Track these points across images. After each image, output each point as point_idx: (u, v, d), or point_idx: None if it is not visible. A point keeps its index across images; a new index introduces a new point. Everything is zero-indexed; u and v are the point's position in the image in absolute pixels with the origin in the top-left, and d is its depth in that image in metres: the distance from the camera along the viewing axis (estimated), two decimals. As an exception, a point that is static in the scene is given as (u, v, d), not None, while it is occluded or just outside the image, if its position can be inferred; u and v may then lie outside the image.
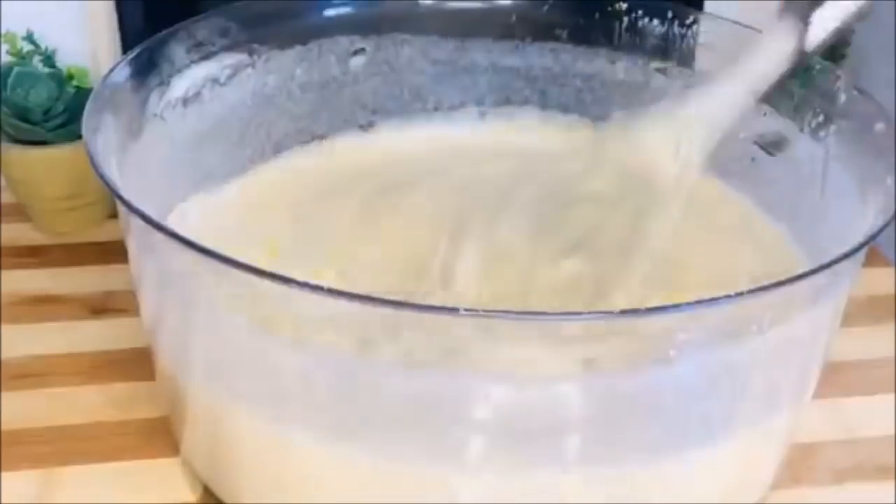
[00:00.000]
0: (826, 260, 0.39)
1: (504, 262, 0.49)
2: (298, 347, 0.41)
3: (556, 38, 0.63)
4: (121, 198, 0.41)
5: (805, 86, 0.55)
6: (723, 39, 0.60)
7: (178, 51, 0.55)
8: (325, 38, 0.62)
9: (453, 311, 0.36)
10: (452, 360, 0.39)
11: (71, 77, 0.68)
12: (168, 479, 0.52)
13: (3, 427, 0.54)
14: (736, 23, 0.59)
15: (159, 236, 0.40)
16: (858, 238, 0.42)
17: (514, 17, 0.63)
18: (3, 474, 0.52)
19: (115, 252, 0.62)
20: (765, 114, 0.57)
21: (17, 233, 0.70)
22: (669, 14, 0.61)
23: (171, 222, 0.51)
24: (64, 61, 0.69)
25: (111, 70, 0.50)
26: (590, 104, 0.65)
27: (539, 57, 0.65)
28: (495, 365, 0.39)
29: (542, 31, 0.64)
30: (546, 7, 0.62)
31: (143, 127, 0.51)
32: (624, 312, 0.37)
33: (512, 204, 0.52)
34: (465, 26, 0.64)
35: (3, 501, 0.51)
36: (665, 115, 0.51)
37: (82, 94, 0.67)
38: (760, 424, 0.46)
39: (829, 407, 0.57)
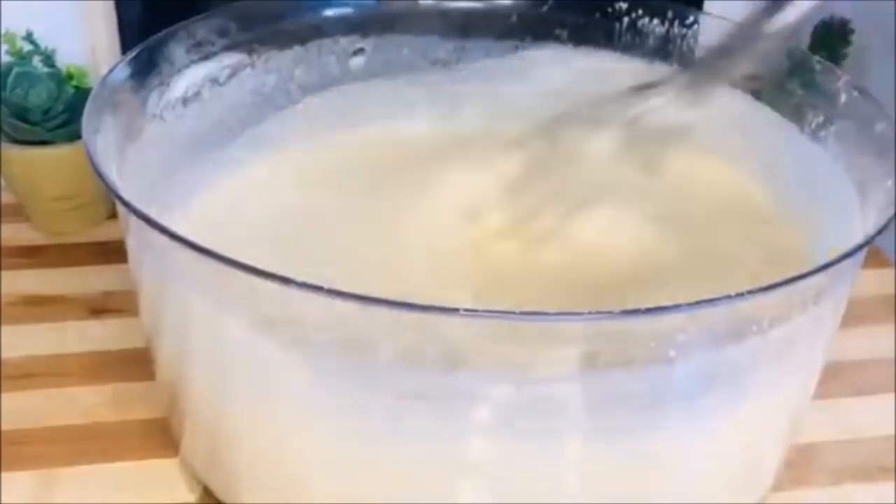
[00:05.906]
0: (826, 260, 0.39)
1: None
2: (297, 347, 0.41)
3: (557, 38, 0.63)
4: (120, 198, 0.41)
5: (805, 86, 0.55)
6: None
7: (177, 51, 0.54)
8: (324, 39, 0.62)
9: (453, 311, 0.36)
10: (452, 360, 0.39)
11: (70, 77, 0.68)
12: (167, 479, 0.52)
13: (3, 427, 0.54)
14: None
15: (159, 236, 0.39)
16: (858, 238, 0.42)
17: (514, 17, 0.63)
18: (3, 474, 0.52)
19: (114, 252, 0.62)
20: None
21: (17, 233, 0.70)
22: (669, 14, 0.61)
23: (170, 222, 0.51)
24: (63, 61, 0.69)
25: (110, 70, 0.50)
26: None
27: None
28: (495, 364, 0.39)
29: (542, 31, 0.64)
30: (546, 7, 0.62)
31: (142, 127, 0.51)
32: (624, 312, 0.37)
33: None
34: (465, 26, 0.64)
35: (3, 501, 0.51)
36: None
37: (82, 93, 0.67)
38: (760, 425, 0.46)
39: (829, 407, 0.57)
